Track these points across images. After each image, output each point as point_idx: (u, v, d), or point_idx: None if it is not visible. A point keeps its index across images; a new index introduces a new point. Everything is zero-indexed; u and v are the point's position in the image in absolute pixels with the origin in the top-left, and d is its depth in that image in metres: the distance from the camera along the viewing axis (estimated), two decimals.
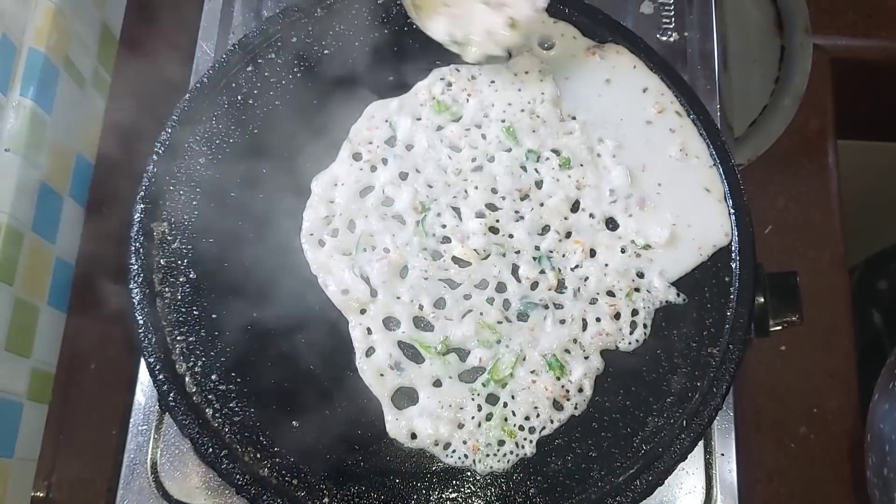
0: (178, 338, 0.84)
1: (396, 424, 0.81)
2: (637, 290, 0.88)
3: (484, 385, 0.83)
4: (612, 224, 0.91)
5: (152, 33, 1.13)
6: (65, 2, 1.07)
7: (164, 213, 0.89)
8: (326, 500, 0.78)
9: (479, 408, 0.82)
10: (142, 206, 0.88)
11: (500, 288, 0.87)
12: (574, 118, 0.96)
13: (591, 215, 0.91)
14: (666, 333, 0.87)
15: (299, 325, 0.85)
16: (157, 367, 0.82)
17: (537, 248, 0.89)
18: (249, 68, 0.96)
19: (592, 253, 0.89)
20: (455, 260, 0.88)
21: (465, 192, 0.91)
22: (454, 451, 0.81)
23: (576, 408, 0.83)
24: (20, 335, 0.98)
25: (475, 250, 0.87)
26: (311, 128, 0.94)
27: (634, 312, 0.87)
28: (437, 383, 0.83)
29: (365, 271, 0.86)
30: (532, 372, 0.83)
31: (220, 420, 0.81)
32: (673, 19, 1.12)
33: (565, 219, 0.90)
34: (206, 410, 0.81)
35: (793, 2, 1.24)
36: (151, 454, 0.88)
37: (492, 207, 0.91)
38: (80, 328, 1.09)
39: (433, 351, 0.84)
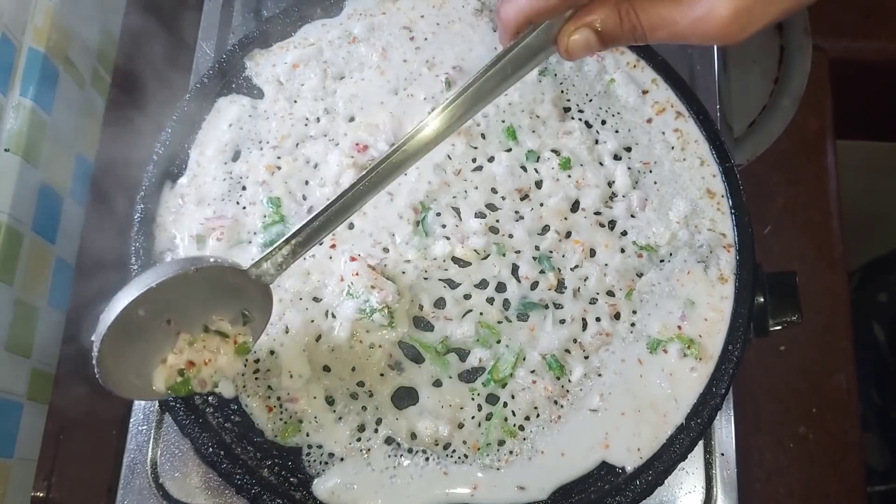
0: None
1: (397, 424, 0.81)
2: (637, 290, 0.88)
3: (484, 385, 0.83)
4: (611, 224, 0.91)
5: (152, 33, 1.13)
6: (65, 2, 1.07)
7: (164, 213, 0.89)
8: None
9: (480, 408, 0.82)
10: (142, 206, 0.88)
11: (500, 288, 0.87)
12: (574, 118, 0.96)
13: (591, 215, 0.91)
14: None
15: None
16: None
17: (537, 248, 0.89)
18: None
19: (592, 253, 0.89)
20: (455, 260, 0.88)
21: (465, 192, 0.91)
22: (454, 451, 0.81)
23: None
24: (20, 335, 0.98)
25: (475, 250, 0.87)
26: None
27: (634, 312, 0.87)
28: (437, 383, 0.83)
29: None
30: (532, 372, 0.83)
31: (219, 420, 0.81)
32: None
33: (565, 219, 0.90)
34: (206, 410, 0.81)
35: None
36: (151, 454, 0.88)
37: (492, 207, 0.91)
38: (80, 328, 1.09)
39: (433, 351, 0.84)
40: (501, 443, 0.81)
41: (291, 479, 0.79)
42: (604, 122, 0.96)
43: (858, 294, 1.23)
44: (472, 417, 0.82)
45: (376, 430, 0.81)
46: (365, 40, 0.98)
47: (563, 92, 0.98)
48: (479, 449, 0.80)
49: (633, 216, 0.91)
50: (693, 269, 0.88)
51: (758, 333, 0.90)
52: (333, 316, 0.84)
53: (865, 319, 1.09)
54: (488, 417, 0.82)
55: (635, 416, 0.82)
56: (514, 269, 0.88)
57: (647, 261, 0.89)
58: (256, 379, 0.83)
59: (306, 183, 0.91)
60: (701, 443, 0.88)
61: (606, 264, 0.88)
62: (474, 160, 0.93)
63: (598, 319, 0.86)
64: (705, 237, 0.90)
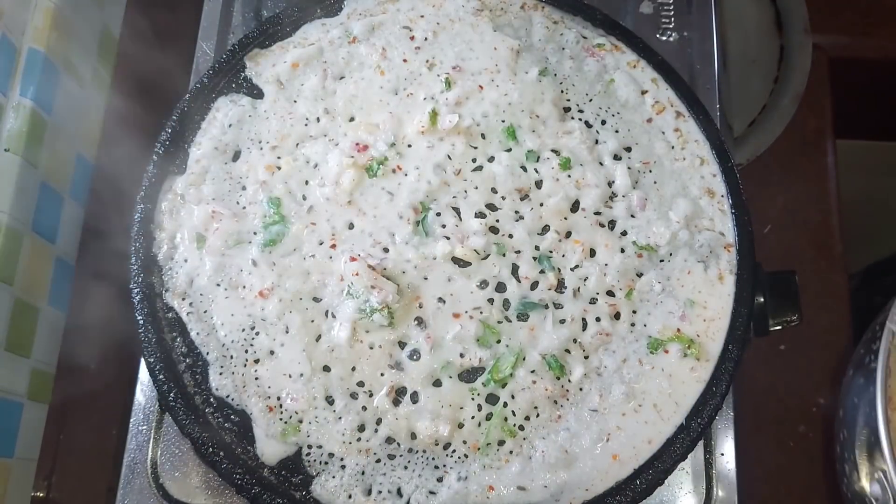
0: (178, 338, 0.84)
1: (396, 424, 0.81)
2: (637, 289, 0.88)
3: (484, 385, 0.83)
4: (611, 224, 0.91)
5: (152, 33, 1.13)
6: (65, 2, 1.07)
7: (163, 213, 0.89)
8: None
9: (480, 408, 0.82)
10: (142, 206, 0.88)
11: (500, 288, 0.87)
12: (574, 118, 0.96)
13: (591, 215, 0.91)
14: None
15: None
16: (157, 367, 0.82)
17: (537, 248, 0.89)
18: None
19: (592, 253, 0.89)
20: (455, 260, 0.88)
21: (465, 192, 0.91)
22: (454, 451, 0.81)
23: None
24: (20, 335, 0.98)
25: (475, 250, 0.87)
26: None
27: (634, 312, 0.87)
28: (437, 383, 0.83)
29: None
30: (532, 372, 0.83)
31: (220, 420, 0.81)
32: (673, 19, 1.13)
33: (565, 219, 0.90)
34: (206, 410, 0.81)
35: (792, 2, 1.25)
36: (151, 454, 0.88)
37: (492, 207, 0.91)
38: (80, 328, 1.09)
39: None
40: (501, 443, 0.81)
41: (291, 479, 0.79)
42: (604, 122, 0.96)
43: (857, 296, 1.23)
44: (472, 417, 0.82)
45: (376, 430, 0.81)
46: (365, 40, 0.98)
47: (563, 92, 0.98)
48: (478, 449, 0.80)
49: (633, 216, 0.91)
50: (693, 268, 0.88)
51: (758, 333, 0.90)
52: (333, 316, 0.84)
53: (866, 323, 1.09)
54: (488, 417, 0.82)
55: (635, 415, 0.82)
56: (514, 269, 0.88)
57: (647, 261, 0.89)
58: (256, 379, 0.83)
59: (306, 183, 0.91)
60: (701, 443, 0.88)
61: (606, 264, 0.88)
62: (474, 160, 0.93)
63: (598, 319, 0.86)
64: (705, 237, 0.90)
